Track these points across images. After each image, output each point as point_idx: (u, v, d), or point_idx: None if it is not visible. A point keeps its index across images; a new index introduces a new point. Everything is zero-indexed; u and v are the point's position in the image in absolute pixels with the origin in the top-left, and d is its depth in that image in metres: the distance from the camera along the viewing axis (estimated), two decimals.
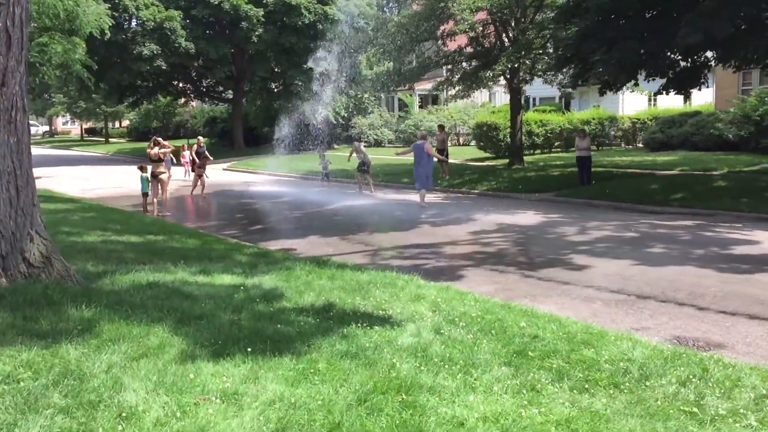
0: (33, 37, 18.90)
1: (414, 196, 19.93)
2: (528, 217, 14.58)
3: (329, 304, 6.90)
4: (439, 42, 23.98)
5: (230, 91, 45.55)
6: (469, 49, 24.56)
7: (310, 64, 37.97)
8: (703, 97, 40.28)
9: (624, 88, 18.83)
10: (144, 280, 7.61)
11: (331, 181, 22.78)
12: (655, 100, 40.04)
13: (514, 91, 24.33)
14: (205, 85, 45.22)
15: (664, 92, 17.97)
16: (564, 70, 19.71)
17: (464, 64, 25.09)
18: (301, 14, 35.81)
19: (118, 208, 17.46)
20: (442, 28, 23.25)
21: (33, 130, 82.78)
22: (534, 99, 43.93)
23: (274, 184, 24.91)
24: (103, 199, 20.86)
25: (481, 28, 21.42)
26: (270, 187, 23.28)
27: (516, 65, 20.94)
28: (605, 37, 15.19)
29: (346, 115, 45.47)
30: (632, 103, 39.11)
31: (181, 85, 44.36)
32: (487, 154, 31.00)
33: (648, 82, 18.67)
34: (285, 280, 8.11)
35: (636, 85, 17.29)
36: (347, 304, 6.94)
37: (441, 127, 26.09)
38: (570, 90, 20.84)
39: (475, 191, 20.29)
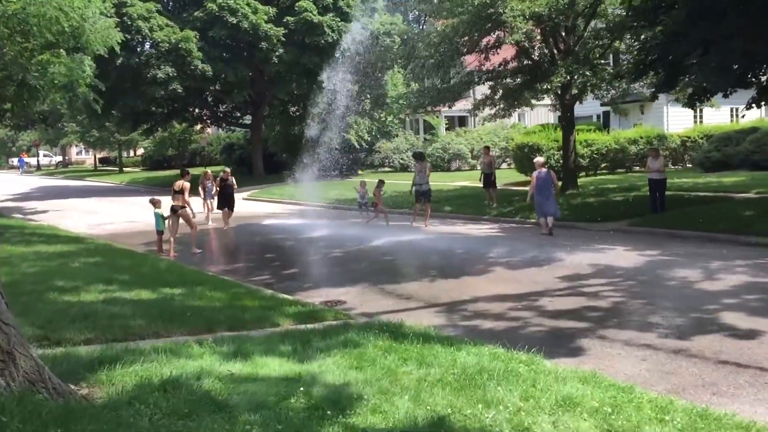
0: (33, 55, 16.78)
1: (461, 228, 17.54)
2: (622, 256, 12.06)
3: (439, 419, 4.48)
4: (482, 56, 21.65)
5: (248, 116, 43.55)
6: (513, 64, 22.26)
7: (329, 84, 35.98)
8: (750, 113, 37.76)
9: (700, 100, 16.31)
10: (157, 375, 5.22)
11: (369, 212, 20.34)
12: (701, 116, 37.54)
13: (566, 108, 21.92)
14: (222, 110, 43.23)
15: (754, 106, 15.48)
16: (644, 78, 17.16)
17: (508, 79, 22.75)
18: (324, 33, 33.75)
19: (129, 249, 15.15)
20: (486, 39, 20.97)
21: (46, 160, 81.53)
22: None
23: (302, 215, 22.56)
24: (114, 236, 18.60)
25: (539, 38, 19.05)
26: (299, 219, 20.94)
27: (575, 77, 18.54)
28: (699, 37, 12.80)
29: (369, 138, 43.29)
30: (678, 120, 36.58)
31: (197, 110, 42.38)
32: (529, 178, 28.53)
33: (731, 94, 16.13)
34: (356, 366, 5.69)
35: (726, 96, 14.82)
36: (467, 419, 4.51)
37: (487, 149, 23.64)
38: (675, 95, 18.08)
39: (532, 220, 17.79)
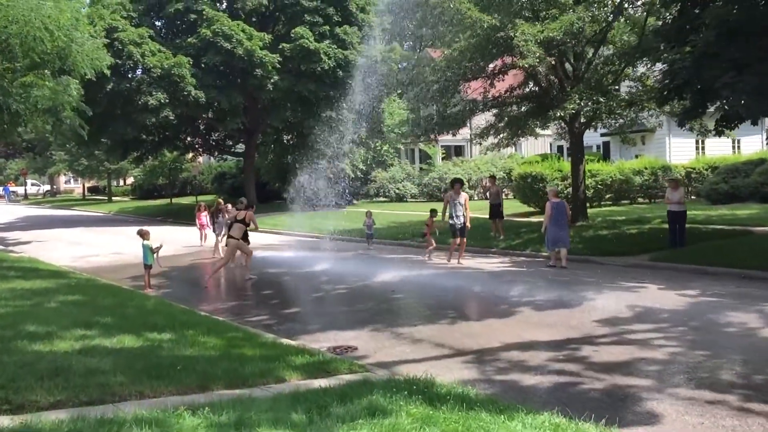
0: (15, 77, 15.74)
1: (470, 262, 16.45)
2: (659, 295, 10.97)
3: None
4: (488, 82, 20.83)
5: (241, 145, 42.60)
6: (519, 91, 21.48)
7: (325, 112, 35.22)
8: (750, 144, 37.24)
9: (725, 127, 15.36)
10: None
11: (373, 244, 19.29)
12: (703, 147, 36.89)
13: (575, 137, 21.04)
14: (214, 138, 42.26)
15: None
16: (670, 103, 16.23)
17: (514, 107, 21.92)
18: (320, 60, 32.91)
19: (114, 285, 13.94)
20: (492, 65, 20.16)
21: (34, 189, 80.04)
22: (568, 149, 40.73)
23: (299, 247, 21.42)
24: (99, 270, 17.39)
25: (553, 63, 18.15)
26: (295, 252, 19.79)
27: (588, 104, 17.65)
28: (731, 58, 11.92)
29: (364, 168, 42.42)
30: (680, 151, 35.93)
31: (188, 138, 41.35)
32: (531, 209, 27.65)
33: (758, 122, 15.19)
34: None
35: (755, 123, 13.94)
36: None
37: (493, 178, 22.55)
38: (689, 124, 16.82)
39: (544, 254, 16.74)
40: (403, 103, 44.14)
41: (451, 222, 16.21)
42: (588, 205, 28.34)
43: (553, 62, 17.87)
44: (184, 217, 37.81)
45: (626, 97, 18.71)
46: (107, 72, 20.79)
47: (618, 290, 11.51)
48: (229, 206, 19.81)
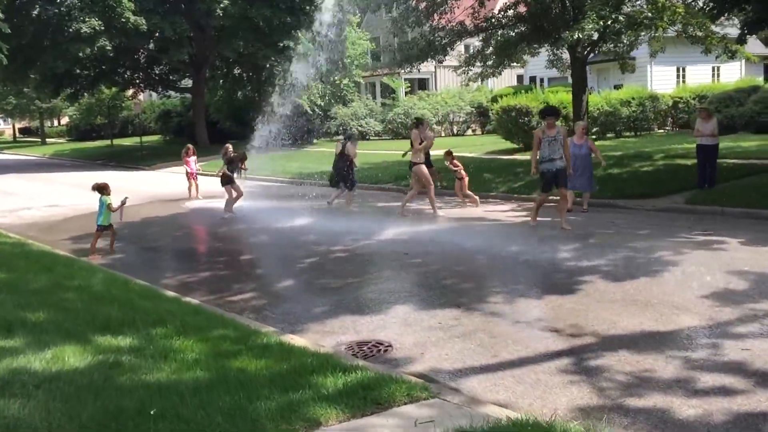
0: None
1: (476, 210, 14.13)
2: (754, 255, 8.60)
3: None
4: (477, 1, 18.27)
5: (187, 80, 38.91)
6: (512, 11, 18.99)
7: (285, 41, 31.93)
8: (729, 72, 35.69)
9: None
10: None
11: (355, 190, 16.87)
12: (684, 75, 35.09)
13: (577, 63, 18.73)
14: (157, 72, 38.43)
15: None
16: (730, 15, 13.91)
17: (505, 30, 19.43)
18: None
19: (50, 252, 11.13)
20: None
21: None
22: (542, 79, 38.52)
23: (266, 194, 18.71)
24: (32, 227, 14.51)
25: None
26: (265, 201, 17.08)
27: (608, 23, 15.23)
28: None
29: (323, 104, 39.31)
30: (661, 79, 34.00)
31: (128, 73, 37.46)
32: (515, 145, 25.43)
33: None
34: None
35: None
36: None
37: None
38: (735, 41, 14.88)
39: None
40: (363, 32, 40.99)
41: (544, 168, 11.49)
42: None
43: None
44: (128, 160, 34.42)
45: (649, 14, 16.33)
46: None
47: (691, 247, 9.30)
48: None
